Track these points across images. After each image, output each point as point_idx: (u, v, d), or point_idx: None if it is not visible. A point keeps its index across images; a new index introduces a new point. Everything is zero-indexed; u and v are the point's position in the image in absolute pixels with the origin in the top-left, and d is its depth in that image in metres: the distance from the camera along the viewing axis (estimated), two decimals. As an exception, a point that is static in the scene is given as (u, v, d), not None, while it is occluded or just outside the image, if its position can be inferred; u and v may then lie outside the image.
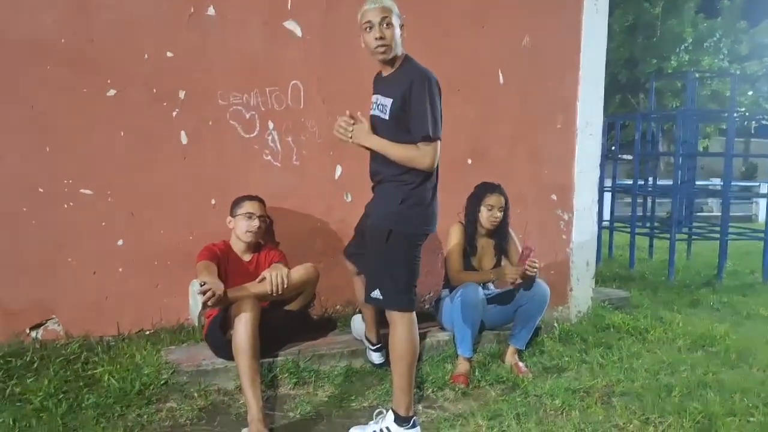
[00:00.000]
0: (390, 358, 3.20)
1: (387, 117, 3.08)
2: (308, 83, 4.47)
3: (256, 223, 3.90)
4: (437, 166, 3.12)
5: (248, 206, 3.93)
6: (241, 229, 3.90)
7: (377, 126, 3.13)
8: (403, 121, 3.04)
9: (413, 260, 3.14)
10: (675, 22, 25.13)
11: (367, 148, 3.16)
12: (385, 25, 3.00)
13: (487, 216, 4.23)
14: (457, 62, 4.82)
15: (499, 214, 4.23)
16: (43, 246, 3.92)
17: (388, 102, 3.08)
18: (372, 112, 3.21)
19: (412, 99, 3.00)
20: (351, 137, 3.13)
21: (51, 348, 3.85)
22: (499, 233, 4.32)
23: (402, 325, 3.09)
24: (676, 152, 8.60)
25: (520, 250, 4.16)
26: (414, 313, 3.15)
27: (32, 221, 3.89)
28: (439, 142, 3.06)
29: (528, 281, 4.10)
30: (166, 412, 3.32)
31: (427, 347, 4.25)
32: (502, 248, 4.37)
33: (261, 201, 4.00)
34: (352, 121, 3.14)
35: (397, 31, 3.04)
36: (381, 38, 3.00)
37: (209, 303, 3.28)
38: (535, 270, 4.02)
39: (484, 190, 4.27)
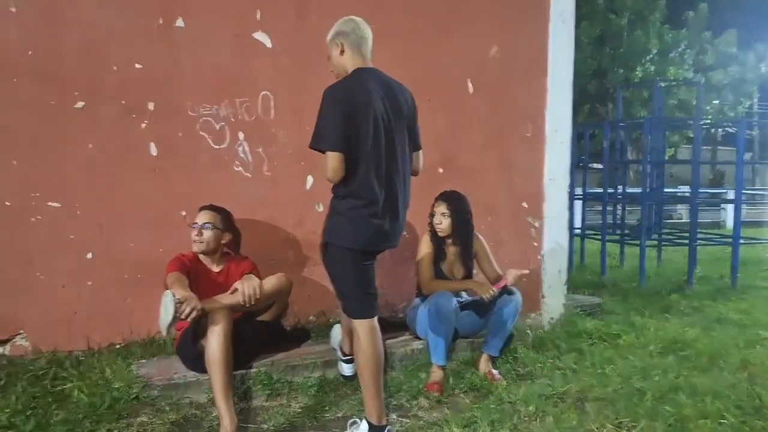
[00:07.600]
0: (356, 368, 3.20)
1: None
2: (278, 94, 4.46)
3: (199, 233, 3.83)
4: (393, 182, 3.10)
5: (197, 216, 3.89)
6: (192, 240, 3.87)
7: None
8: None
9: (356, 273, 3.12)
10: (641, 33, 25.50)
11: None
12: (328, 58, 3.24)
13: (434, 223, 4.27)
14: (426, 71, 4.84)
15: (445, 221, 4.24)
16: (10, 260, 3.87)
17: None
18: None
19: None
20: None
21: (19, 364, 3.78)
22: (462, 240, 4.33)
23: (362, 333, 3.10)
24: (644, 160, 8.70)
25: (500, 273, 4.27)
26: (375, 320, 3.15)
27: (-1, 235, 3.84)
28: (332, 153, 2.92)
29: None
30: (137, 427, 3.27)
31: (400, 356, 4.24)
32: (466, 255, 4.37)
33: (214, 210, 3.92)
34: None
35: (334, 56, 3.18)
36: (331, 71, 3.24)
37: (188, 318, 3.24)
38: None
39: (435, 198, 4.32)
